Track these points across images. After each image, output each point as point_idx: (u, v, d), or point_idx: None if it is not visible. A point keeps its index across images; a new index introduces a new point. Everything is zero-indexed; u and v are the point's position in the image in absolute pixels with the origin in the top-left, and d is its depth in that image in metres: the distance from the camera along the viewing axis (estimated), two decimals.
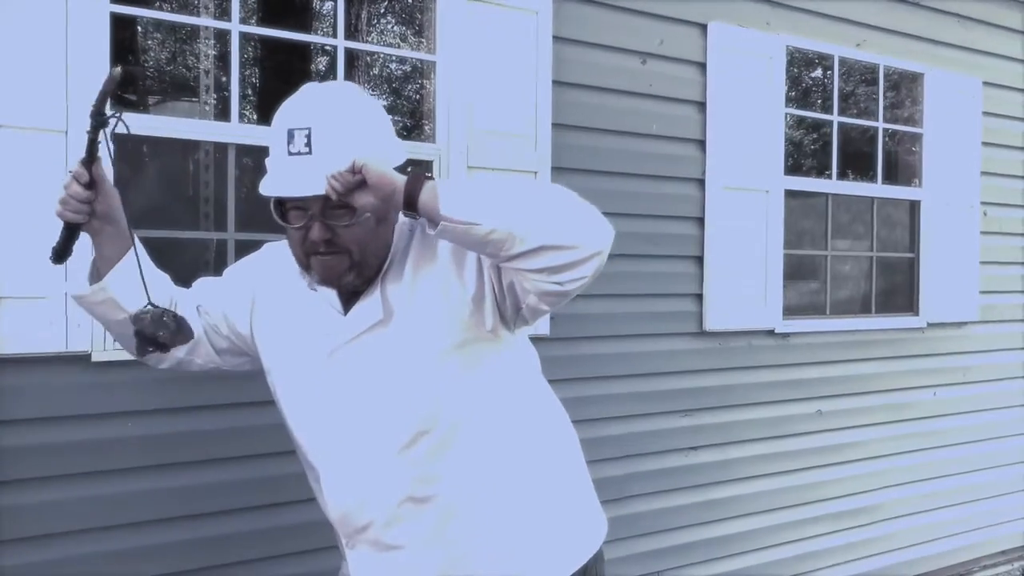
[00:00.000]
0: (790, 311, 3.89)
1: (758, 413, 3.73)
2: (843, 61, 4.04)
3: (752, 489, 3.73)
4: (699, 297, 3.52)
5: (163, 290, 1.62)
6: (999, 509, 4.62)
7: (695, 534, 3.58)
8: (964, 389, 4.43)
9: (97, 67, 2.32)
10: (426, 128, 3.05)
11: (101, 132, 1.43)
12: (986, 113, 4.40)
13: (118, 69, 1.43)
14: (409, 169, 1.43)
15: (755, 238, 3.64)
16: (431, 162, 2.90)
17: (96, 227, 1.51)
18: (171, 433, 2.48)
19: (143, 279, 1.51)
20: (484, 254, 1.44)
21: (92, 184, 1.46)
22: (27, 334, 2.25)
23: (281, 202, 1.49)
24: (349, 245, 1.49)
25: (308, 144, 1.44)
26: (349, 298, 1.58)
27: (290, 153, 1.45)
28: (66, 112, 2.28)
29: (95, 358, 2.32)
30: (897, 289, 4.35)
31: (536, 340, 3.09)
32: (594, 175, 3.25)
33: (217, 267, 2.82)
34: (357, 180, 1.38)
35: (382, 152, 1.47)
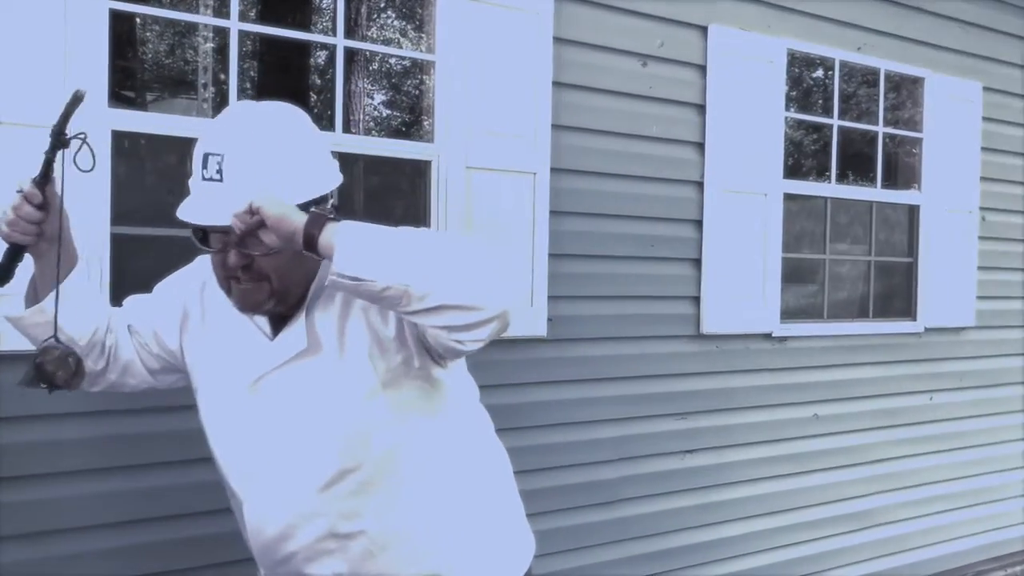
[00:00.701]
0: (788, 314, 3.88)
1: (755, 417, 3.72)
2: (844, 64, 4.04)
3: (748, 493, 3.72)
4: (696, 300, 3.51)
5: (98, 315, 1.58)
6: (996, 514, 4.62)
7: (691, 537, 3.57)
8: (961, 394, 4.43)
9: (96, 63, 2.31)
10: (424, 125, 3.04)
11: (58, 153, 1.37)
12: (986, 118, 4.40)
13: (83, 90, 1.37)
14: (312, 209, 1.36)
15: (753, 241, 3.63)
16: (429, 162, 2.89)
17: (43, 249, 1.45)
18: (173, 431, 2.47)
19: (56, 312, 1.45)
20: (381, 306, 1.40)
21: (44, 205, 1.39)
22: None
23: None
24: (268, 272, 1.44)
25: (220, 171, 1.40)
26: (278, 321, 1.53)
27: (203, 178, 1.42)
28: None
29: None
30: (895, 293, 4.35)
31: (533, 341, 3.12)
32: (593, 176, 3.25)
33: None
34: (256, 221, 1.32)
35: (294, 187, 1.41)
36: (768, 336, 3.72)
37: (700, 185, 3.50)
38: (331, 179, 1.50)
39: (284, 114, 1.50)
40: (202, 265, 1.68)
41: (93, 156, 1.39)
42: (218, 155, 1.40)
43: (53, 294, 1.46)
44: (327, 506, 1.51)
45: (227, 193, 1.38)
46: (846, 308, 4.44)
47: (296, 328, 1.50)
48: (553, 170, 3.10)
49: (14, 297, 1.54)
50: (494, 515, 1.70)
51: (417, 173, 3.01)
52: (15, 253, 1.44)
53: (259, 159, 1.40)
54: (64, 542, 2.35)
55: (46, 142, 1.37)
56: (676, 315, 3.48)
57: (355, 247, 1.29)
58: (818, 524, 3.96)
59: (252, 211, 1.32)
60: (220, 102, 5.33)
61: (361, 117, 7.69)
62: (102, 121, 2.34)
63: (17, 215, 1.39)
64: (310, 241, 1.30)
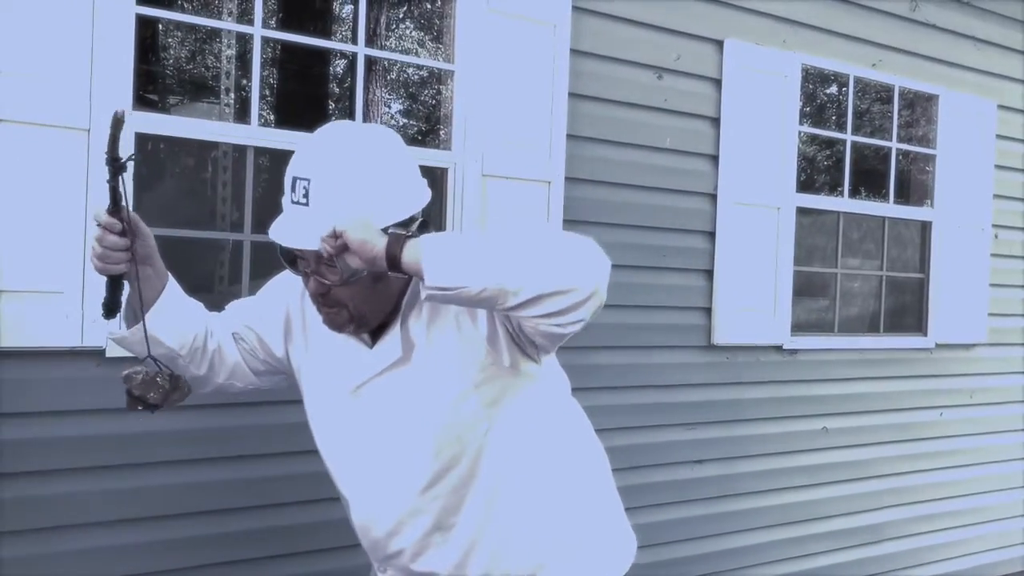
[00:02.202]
0: (798, 327, 3.90)
1: (764, 428, 3.74)
2: (858, 81, 4.06)
3: (757, 504, 3.73)
4: (708, 311, 3.54)
5: (196, 322, 1.62)
6: (1002, 532, 4.61)
7: (699, 547, 3.59)
8: (971, 411, 4.43)
9: (122, 67, 2.36)
10: (442, 134, 3.08)
11: (120, 177, 1.39)
12: (1000, 136, 4.41)
13: (122, 110, 1.38)
14: (390, 231, 1.37)
15: (765, 254, 3.65)
16: (446, 169, 2.93)
17: (138, 272, 1.48)
18: (183, 429, 2.51)
19: (146, 336, 1.50)
20: (480, 308, 1.43)
21: (126, 231, 1.42)
22: (44, 328, 2.28)
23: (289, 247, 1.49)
24: (345, 301, 1.48)
25: (306, 196, 1.43)
26: (377, 330, 1.57)
27: (292, 201, 1.45)
28: (89, 111, 2.31)
29: (110, 353, 2.35)
30: (906, 309, 4.36)
31: None
32: (607, 186, 3.28)
33: (232, 268, 2.84)
34: (340, 245, 1.35)
35: (379, 212, 1.43)
36: (779, 348, 3.73)
37: (713, 197, 3.52)
38: (418, 199, 1.52)
39: (372, 138, 1.53)
40: None
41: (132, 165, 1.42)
42: (305, 179, 1.43)
43: (151, 311, 1.51)
44: (429, 504, 1.56)
45: (311, 218, 1.41)
46: (857, 322, 4.45)
47: (391, 338, 1.54)
48: (568, 179, 3.14)
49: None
50: (593, 510, 1.73)
51: (434, 180, 3.04)
52: (115, 284, 1.46)
53: (343, 186, 1.43)
54: (75, 536, 2.38)
55: (105, 171, 1.39)
56: (687, 326, 3.51)
57: (442, 259, 1.30)
58: (826, 537, 3.96)
59: (336, 235, 1.35)
60: (242, 107, 5.40)
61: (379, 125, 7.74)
62: (126, 124, 2.39)
63: (104, 248, 1.42)
64: (393, 262, 1.33)
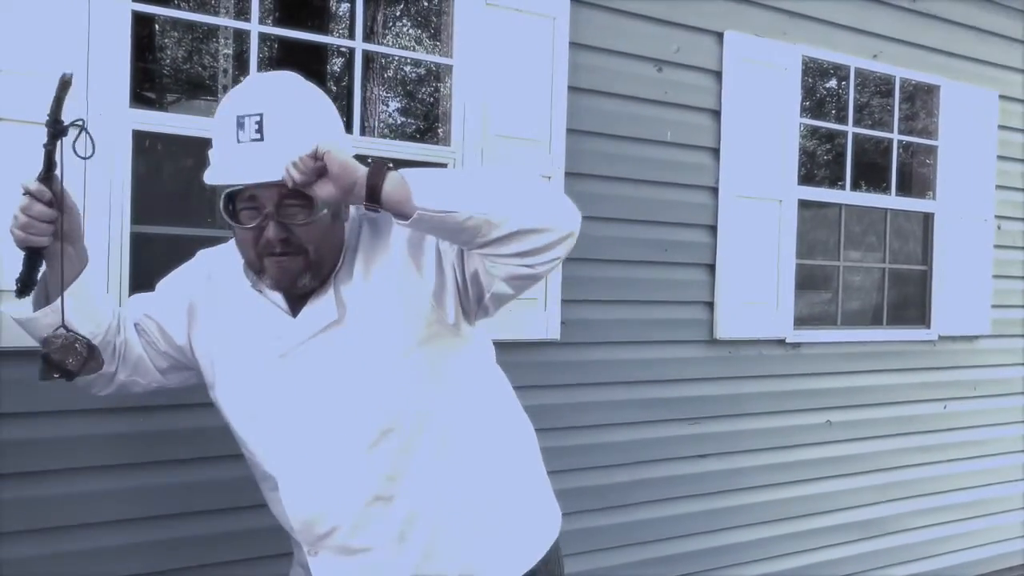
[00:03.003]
0: (801, 321, 3.88)
1: (767, 423, 3.72)
2: (859, 72, 4.04)
3: (760, 499, 3.72)
4: (710, 305, 3.52)
5: (108, 312, 1.56)
6: (1007, 525, 4.60)
7: (702, 542, 3.58)
8: (975, 403, 4.41)
9: (118, 65, 2.35)
10: (440, 131, 3.07)
11: (59, 143, 1.31)
12: (1002, 126, 4.39)
13: (69, 73, 1.33)
14: (369, 159, 1.33)
15: (767, 247, 3.64)
16: (446, 164, 2.92)
17: (58, 249, 1.40)
18: (181, 429, 2.50)
19: (62, 302, 1.42)
20: (458, 242, 1.39)
21: (54, 202, 1.34)
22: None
23: (232, 201, 1.42)
24: (305, 244, 1.42)
25: (260, 131, 1.37)
26: (297, 300, 1.52)
27: (239, 141, 1.38)
28: (86, 109, 2.29)
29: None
30: (909, 301, 4.34)
31: (546, 345, 3.12)
32: (608, 181, 3.26)
33: None
34: (318, 167, 1.29)
35: (341, 140, 1.42)
36: (781, 342, 3.72)
37: (715, 191, 3.51)
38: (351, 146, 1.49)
39: (304, 80, 1.50)
40: (204, 259, 1.69)
41: (93, 143, 1.34)
42: (255, 115, 1.37)
43: (67, 294, 1.43)
44: (371, 469, 1.51)
45: (271, 150, 1.36)
46: (860, 315, 4.43)
47: (324, 300, 1.49)
48: (568, 174, 3.12)
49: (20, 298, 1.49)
50: (525, 481, 1.72)
51: None
52: (33, 258, 1.38)
53: (301, 115, 1.40)
54: (70, 537, 2.37)
55: (43, 134, 1.31)
56: (689, 320, 3.49)
57: (432, 184, 1.31)
58: (830, 531, 3.95)
59: (317, 156, 1.29)
60: None
61: (377, 123, 7.73)
62: (124, 121, 2.38)
63: (29, 216, 1.34)
64: (373, 191, 1.29)
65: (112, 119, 2.34)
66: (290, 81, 1.48)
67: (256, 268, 1.48)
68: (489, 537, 1.62)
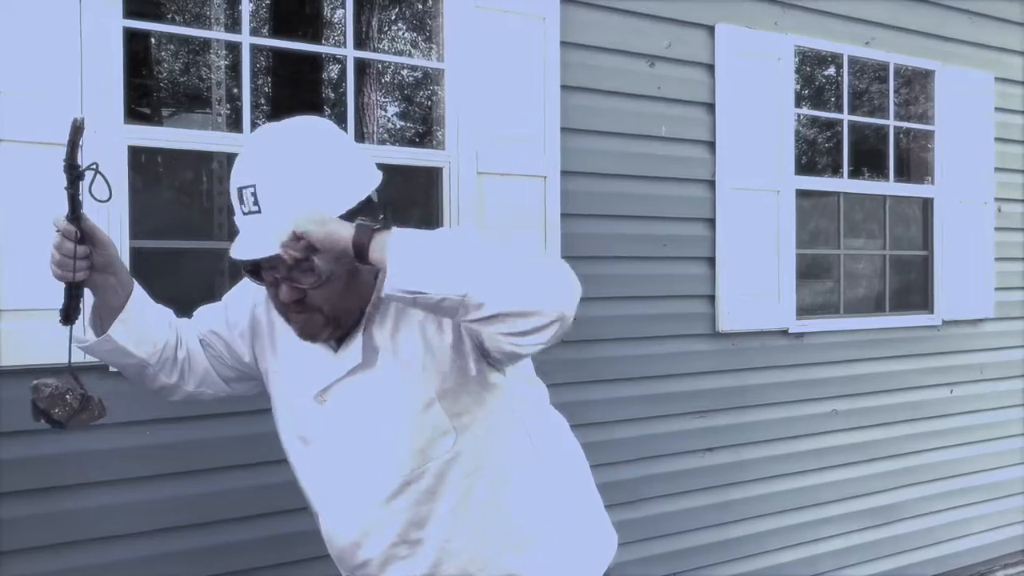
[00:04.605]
0: (804, 311, 3.88)
1: (773, 414, 3.72)
2: (854, 60, 4.04)
3: (768, 490, 3.72)
4: (712, 298, 3.52)
5: (164, 330, 1.59)
6: (1019, 508, 4.59)
7: (711, 535, 3.58)
8: (981, 386, 4.40)
9: (112, 81, 2.36)
10: (437, 135, 3.07)
11: (79, 184, 1.36)
12: (999, 109, 4.38)
13: (81, 117, 1.37)
14: (359, 220, 1.30)
15: (767, 238, 3.64)
16: (441, 169, 2.92)
17: (98, 281, 1.45)
18: (188, 441, 2.51)
19: (69, 345, 1.46)
20: (438, 315, 1.37)
21: (84, 239, 1.39)
22: (44, 345, 2.28)
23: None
24: (320, 305, 1.43)
25: (256, 203, 1.38)
26: (343, 335, 1.53)
27: (243, 213, 1.41)
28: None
29: (113, 368, 2.35)
30: (912, 287, 4.34)
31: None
32: (604, 178, 3.27)
33: (231, 277, 2.85)
34: (304, 246, 1.28)
35: (331, 200, 1.39)
36: (784, 333, 3.72)
37: (712, 184, 3.51)
38: (367, 181, 1.46)
39: (304, 129, 1.47)
40: None
41: (108, 186, 1.39)
42: (250, 186, 1.39)
43: (117, 321, 1.49)
44: (394, 516, 1.52)
45: (267, 223, 1.37)
46: (863, 303, 4.43)
47: (354, 344, 1.50)
48: (564, 173, 3.13)
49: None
50: (568, 515, 1.69)
51: (430, 180, 3.04)
52: (73, 290, 1.44)
53: (289, 181, 1.39)
54: (75, 553, 2.38)
55: (63, 178, 1.37)
56: (692, 314, 3.49)
57: (408, 259, 1.25)
58: (839, 520, 3.94)
59: (297, 237, 1.29)
60: (235, 116, 5.39)
61: (375, 128, 7.74)
62: (118, 137, 2.39)
63: (62, 254, 1.39)
64: (361, 252, 1.27)
65: (107, 135, 2.36)
66: (285, 141, 1.45)
67: (285, 320, 1.51)
68: (530, 571, 1.60)
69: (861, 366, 3.98)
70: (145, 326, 1.54)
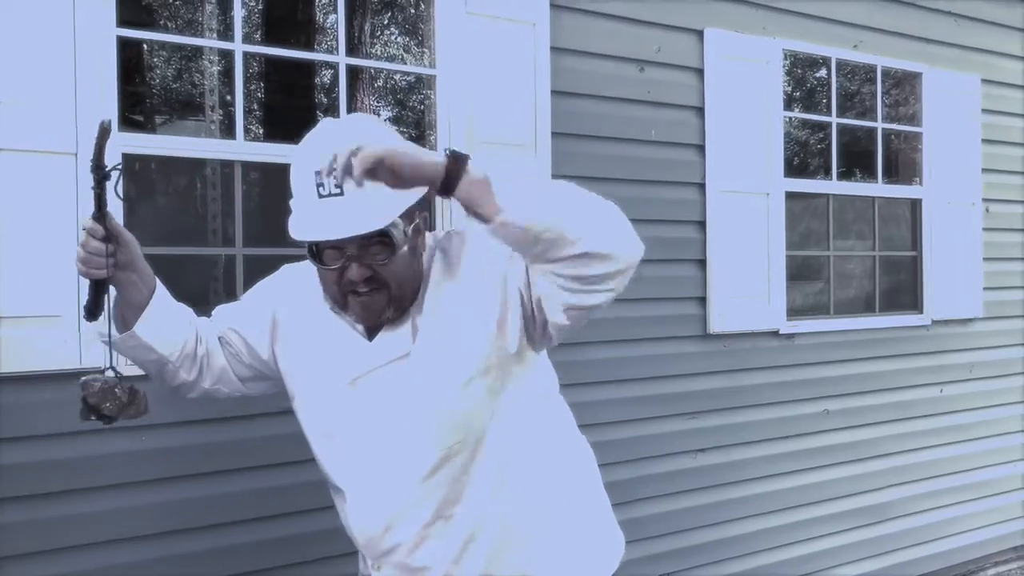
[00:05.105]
0: (794, 312, 3.91)
1: (765, 414, 3.75)
2: (842, 63, 4.07)
3: (761, 490, 3.75)
4: (702, 300, 3.55)
5: (185, 328, 1.63)
6: (1009, 505, 4.62)
7: (705, 535, 3.60)
8: (971, 386, 4.44)
9: (106, 90, 2.38)
10: (429, 139, 3.10)
11: (106, 184, 1.43)
12: (986, 110, 4.42)
13: (108, 120, 1.43)
14: (447, 151, 1.31)
15: (757, 240, 3.67)
16: None
17: (122, 278, 1.50)
18: (184, 446, 2.53)
19: (110, 345, 1.52)
20: (528, 254, 1.38)
21: (108, 237, 1.44)
22: (42, 352, 2.30)
23: (316, 243, 1.47)
24: (388, 280, 1.47)
25: (339, 184, 1.39)
26: (374, 324, 1.57)
27: (319, 196, 1.42)
28: (76, 135, 2.33)
29: (109, 374, 2.36)
30: (901, 287, 4.37)
31: None
32: (595, 182, 3.26)
33: (226, 282, 2.86)
34: (388, 171, 1.26)
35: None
36: (775, 334, 3.75)
37: (702, 187, 3.54)
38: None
39: (373, 121, 1.54)
40: (288, 273, 1.74)
41: (119, 187, 1.45)
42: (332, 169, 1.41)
43: (140, 319, 1.53)
44: (431, 494, 1.55)
45: (351, 204, 1.40)
46: (853, 304, 4.47)
47: (401, 330, 1.54)
48: (555, 176, 3.15)
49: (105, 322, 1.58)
50: (584, 507, 1.73)
51: None
52: (98, 287, 1.48)
53: None
54: (76, 557, 2.40)
55: (90, 178, 1.43)
56: (683, 316, 3.52)
57: (512, 189, 1.29)
58: (833, 519, 3.97)
59: (384, 165, 1.25)
60: (228, 123, 5.41)
61: None
62: (113, 144, 2.40)
63: (87, 252, 1.44)
64: (451, 181, 1.27)
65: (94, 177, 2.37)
66: (361, 128, 1.46)
67: (340, 304, 1.54)
68: (547, 562, 1.64)
69: (851, 366, 4.01)
70: (167, 323, 1.59)
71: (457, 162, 1.29)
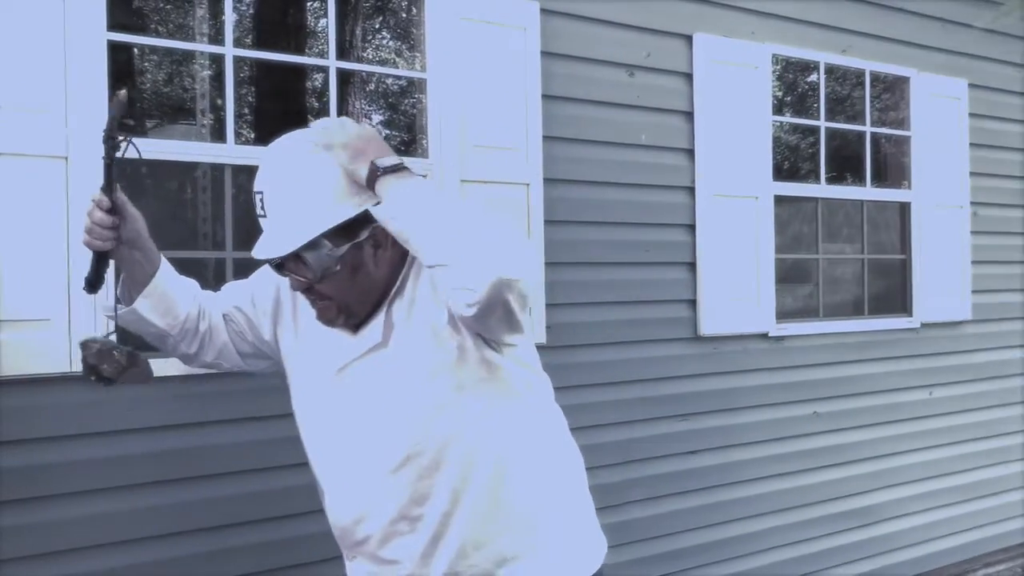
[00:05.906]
0: (784, 314, 3.93)
1: (755, 416, 3.77)
2: (834, 67, 4.10)
3: (751, 492, 3.76)
4: (693, 303, 3.57)
5: (187, 303, 1.67)
6: (999, 507, 4.65)
7: (695, 538, 3.61)
8: (960, 388, 4.47)
9: (96, 94, 2.38)
10: (421, 143, 3.11)
11: (116, 157, 1.46)
12: (973, 114, 4.45)
13: (124, 92, 1.45)
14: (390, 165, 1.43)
15: (746, 244, 3.68)
16: (424, 177, 2.95)
17: (124, 253, 1.54)
18: (178, 449, 2.53)
19: (116, 312, 1.59)
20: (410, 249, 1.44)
21: (114, 210, 1.48)
22: (33, 355, 2.30)
23: None
24: (329, 294, 1.54)
25: (263, 208, 1.50)
26: (363, 320, 1.61)
27: (259, 215, 1.52)
28: (66, 139, 2.33)
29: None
30: (890, 290, 4.39)
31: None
32: (585, 185, 3.31)
33: (216, 286, 2.86)
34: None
35: (332, 210, 1.46)
36: (765, 336, 3.77)
37: (692, 190, 3.56)
38: (364, 197, 1.48)
39: (313, 139, 1.51)
40: None
41: (138, 151, 1.48)
42: (260, 192, 1.51)
43: (141, 295, 1.58)
44: (397, 491, 1.57)
45: (272, 226, 1.50)
46: (842, 306, 4.49)
47: (376, 323, 1.58)
48: (546, 180, 3.17)
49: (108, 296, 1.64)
50: (566, 506, 1.73)
51: None
52: (100, 260, 1.52)
53: (286, 192, 1.49)
54: (71, 561, 2.40)
55: (101, 148, 1.45)
56: (673, 318, 3.54)
57: (402, 200, 1.40)
58: (823, 521, 3.99)
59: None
60: (218, 127, 5.41)
61: None
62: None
63: (93, 222, 1.48)
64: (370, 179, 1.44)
65: (92, 148, 2.37)
66: (291, 150, 1.52)
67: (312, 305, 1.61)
68: (519, 563, 1.63)
69: (841, 369, 4.03)
70: (169, 300, 1.63)
71: (372, 173, 1.42)
